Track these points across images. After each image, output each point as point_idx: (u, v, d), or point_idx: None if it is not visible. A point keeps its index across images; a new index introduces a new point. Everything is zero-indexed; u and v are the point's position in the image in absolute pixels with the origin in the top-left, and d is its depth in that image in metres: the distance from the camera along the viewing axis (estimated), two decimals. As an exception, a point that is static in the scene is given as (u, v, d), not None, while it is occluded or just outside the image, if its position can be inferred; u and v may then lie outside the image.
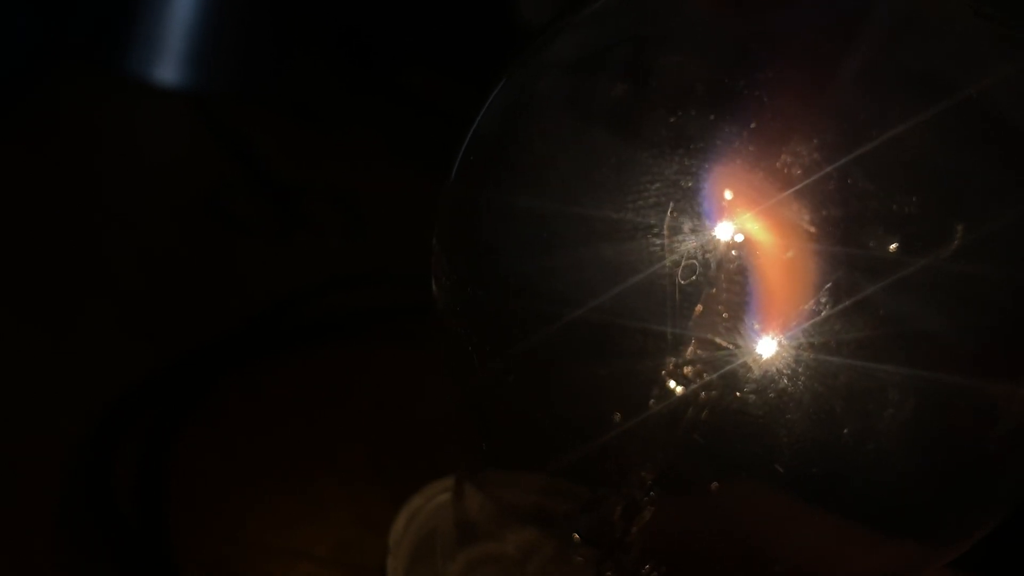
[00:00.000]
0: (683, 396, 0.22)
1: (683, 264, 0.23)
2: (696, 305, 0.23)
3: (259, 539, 0.36)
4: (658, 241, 0.24)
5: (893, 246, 0.22)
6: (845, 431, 0.23)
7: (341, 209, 0.61)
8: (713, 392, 0.23)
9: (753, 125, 0.23)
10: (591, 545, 0.25)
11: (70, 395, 0.40)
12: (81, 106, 0.65)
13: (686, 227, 0.24)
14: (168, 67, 0.67)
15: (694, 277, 0.23)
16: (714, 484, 0.23)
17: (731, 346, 0.23)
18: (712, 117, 0.24)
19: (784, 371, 0.22)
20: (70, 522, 0.35)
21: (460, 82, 0.73)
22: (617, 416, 0.23)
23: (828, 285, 0.22)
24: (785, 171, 0.22)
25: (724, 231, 0.23)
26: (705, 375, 0.23)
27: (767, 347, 0.23)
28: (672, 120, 0.24)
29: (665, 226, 0.23)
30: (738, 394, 0.23)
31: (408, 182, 0.67)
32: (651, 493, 0.24)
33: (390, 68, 0.77)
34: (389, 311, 0.52)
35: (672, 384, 0.23)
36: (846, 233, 0.22)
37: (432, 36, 0.77)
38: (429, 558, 0.28)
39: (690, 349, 0.23)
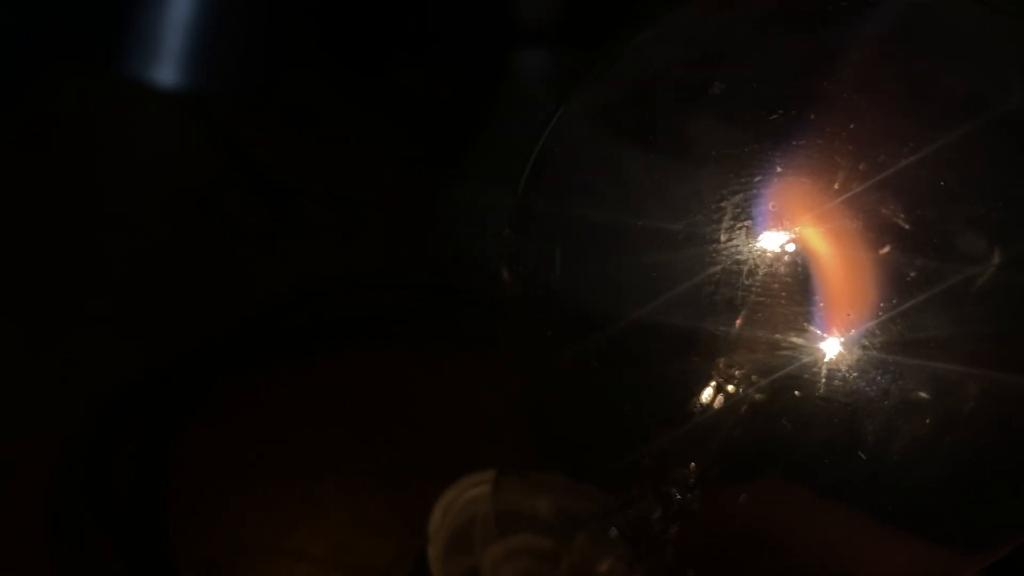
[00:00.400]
0: (731, 398, 0.23)
1: (743, 269, 0.23)
2: (747, 307, 0.23)
3: (258, 540, 0.36)
4: (714, 247, 0.24)
5: (959, 244, 0.22)
6: (895, 435, 0.23)
7: (339, 210, 0.61)
8: (761, 395, 0.23)
9: (803, 139, 0.24)
10: (627, 542, 0.25)
11: (67, 396, 0.40)
12: (76, 106, 0.64)
13: (744, 232, 0.24)
14: (165, 67, 0.67)
15: (748, 281, 0.23)
16: (755, 486, 0.24)
17: (787, 349, 0.23)
18: (770, 129, 0.24)
19: (835, 374, 0.22)
20: (68, 523, 0.35)
21: (459, 82, 0.73)
22: (667, 414, 0.24)
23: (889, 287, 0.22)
24: (843, 175, 0.23)
25: (779, 237, 0.24)
26: (754, 378, 0.23)
27: (830, 347, 0.23)
28: (732, 134, 0.25)
29: (722, 231, 0.24)
30: (791, 396, 0.23)
31: (407, 183, 0.67)
32: (692, 493, 0.24)
33: (388, 69, 0.76)
34: (388, 312, 0.52)
35: (721, 385, 0.23)
36: (909, 234, 0.23)
37: (431, 36, 0.76)
38: (467, 547, 0.29)
39: (740, 351, 0.23)
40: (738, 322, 0.24)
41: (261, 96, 0.72)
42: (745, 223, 0.24)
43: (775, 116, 0.24)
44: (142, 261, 0.51)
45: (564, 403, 0.27)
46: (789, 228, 0.24)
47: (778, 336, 0.23)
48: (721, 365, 0.24)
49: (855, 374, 0.23)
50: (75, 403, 0.39)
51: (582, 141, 0.28)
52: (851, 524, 0.25)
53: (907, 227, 0.22)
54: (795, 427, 0.24)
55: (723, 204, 0.24)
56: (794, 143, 0.24)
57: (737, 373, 0.24)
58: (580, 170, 0.28)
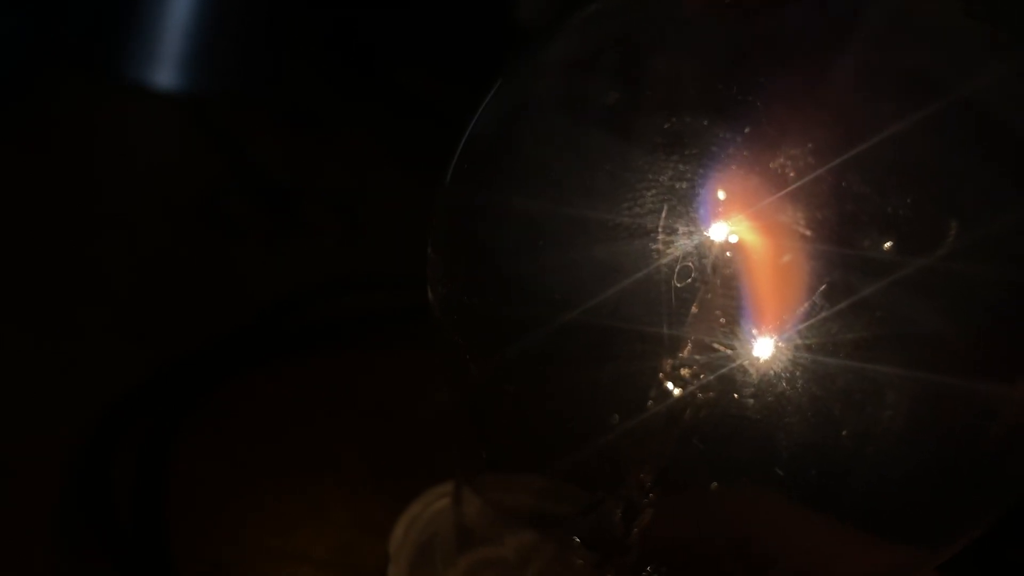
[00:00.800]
0: (680, 398, 0.22)
1: (679, 267, 0.23)
2: (692, 307, 0.23)
3: (258, 541, 0.36)
4: (653, 244, 0.23)
5: (888, 245, 0.22)
6: (843, 433, 0.23)
7: (338, 212, 0.61)
8: (710, 394, 0.23)
9: (747, 129, 0.23)
10: (591, 548, 0.24)
11: (67, 399, 0.40)
12: (76, 109, 0.65)
13: (681, 230, 0.23)
14: (164, 70, 0.67)
15: (689, 279, 0.23)
16: (713, 485, 0.23)
17: (727, 348, 0.23)
18: (706, 121, 0.23)
19: (781, 373, 0.22)
20: (68, 526, 0.35)
21: (458, 84, 0.73)
22: (615, 418, 0.23)
23: (823, 287, 0.22)
24: (780, 174, 0.22)
25: (719, 233, 0.23)
26: (702, 377, 0.23)
27: (763, 349, 0.23)
28: (666, 125, 0.24)
29: (660, 228, 0.23)
30: (735, 396, 0.23)
31: (405, 185, 0.67)
32: (650, 495, 0.23)
33: (388, 70, 0.76)
34: (388, 314, 0.52)
35: (669, 386, 0.22)
36: (841, 234, 0.22)
37: (430, 38, 0.76)
38: (429, 564, 0.28)
39: (687, 351, 0.23)
40: (682, 323, 0.23)
41: (260, 98, 0.72)
42: (685, 219, 0.23)
43: (714, 107, 0.23)
44: (141, 263, 0.51)
45: (498, 414, 0.27)
46: (730, 224, 0.23)
47: (723, 337, 0.23)
48: (668, 368, 0.23)
49: (806, 374, 0.22)
50: (75, 405, 0.39)
51: (514, 129, 0.27)
52: (812, 522, 0.24)
53: (841, 225, 0.22)
54: (750, 428, 0.23)
55: (658, 197, 0.23)
56: (735, 137, 0.23)
57: (683, 373, 0.23)
58: (510, 160, 0.27)
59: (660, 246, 0.23)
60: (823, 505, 0.24)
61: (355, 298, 0.53)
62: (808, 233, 0.22)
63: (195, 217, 0.57)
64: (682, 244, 0.23)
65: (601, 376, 0.24)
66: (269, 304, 0.50)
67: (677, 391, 0.22)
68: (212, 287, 0.51)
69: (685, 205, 0.23)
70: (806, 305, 0.22)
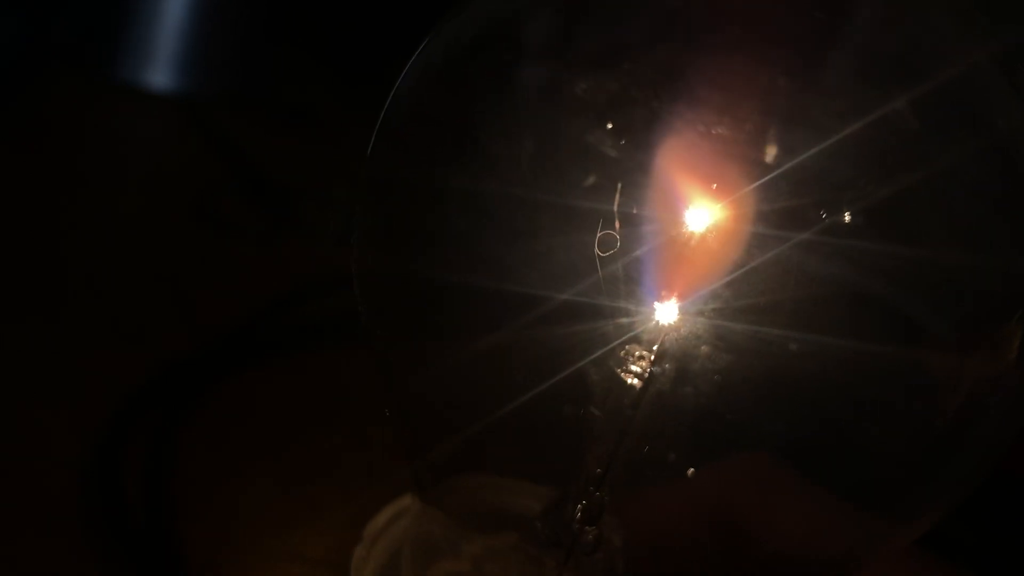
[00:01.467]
0: (628, 385, 0.22)
1: (598, 236, 0.21)
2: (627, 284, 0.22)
3: (252, 541, 0.36)
4: (578, 229, 0.22)
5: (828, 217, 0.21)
6: (791, 406, 0.23)
7: (334, 210, 0.61)
8: (648, 374, 0.22)
9: (677, 102, 0.22)
10: (552, 546, 0.24)
11: (66, 400, 0.40)
12: (71, 109, 0.65)
13: (607, 206, 0.22)
14: (159, 70, 0.67)
15: (613, 250, 0.21)
16: (690, 471, 0.23)
17: (656, 320, 0.22)
18: (635, 93, 0.23)
19: (718, 345, 0.21)
20: (75, 526, 0.35)
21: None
22: (565, 409, 0.23)
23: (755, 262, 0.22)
24: (709, 145, 0.22)
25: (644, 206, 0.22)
26: (635, 359, 0.22)
27: (688, 321, 0.22)
28: (591, 94, 0.23)
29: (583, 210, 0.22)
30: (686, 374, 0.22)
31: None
32: (600, 490, 0.23)
33: (384, 68, 0.76)
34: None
35: (619, 372, 0.22)
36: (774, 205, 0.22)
37: (427, 35, 0.76)
38: None
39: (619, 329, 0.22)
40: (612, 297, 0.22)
41: (256, 97, 0.71)
42: (607, 193, 0.22)
43: (646, 80, 0.22)
44: (138, 263, 0.51)
45: (432, 415, 0.26)
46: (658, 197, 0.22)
47: (651, 311, 0.22)
48: (611, 352, 0.22)
49: (746, 346, 0.21)
50: (70, 409, 0.39)
51: (432, 108, 0.26)
52: (775, 499, 0.24)
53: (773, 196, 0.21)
54: (696, 408, 0.23)
55: (584, 177, 0.22)
56: (665, 108, 0.22)
57: (629, 356, 0.22)
58: (431, 142, 0.26)
59: (585, 232, 0.22)
60: (785, 478, 0.24)
61: (351, 296, 0.53)
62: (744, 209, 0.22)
63: (192, 217, 0.57)
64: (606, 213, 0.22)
65: (544, 366, 0.23)
66: (266, 303, 0.50)
67: (627, 377, 0.22)
68: (209, 286, 0.51)
69: (613, 179, 0.22)
70: (738, 273, 0.21)
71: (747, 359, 0.21)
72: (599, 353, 0.21)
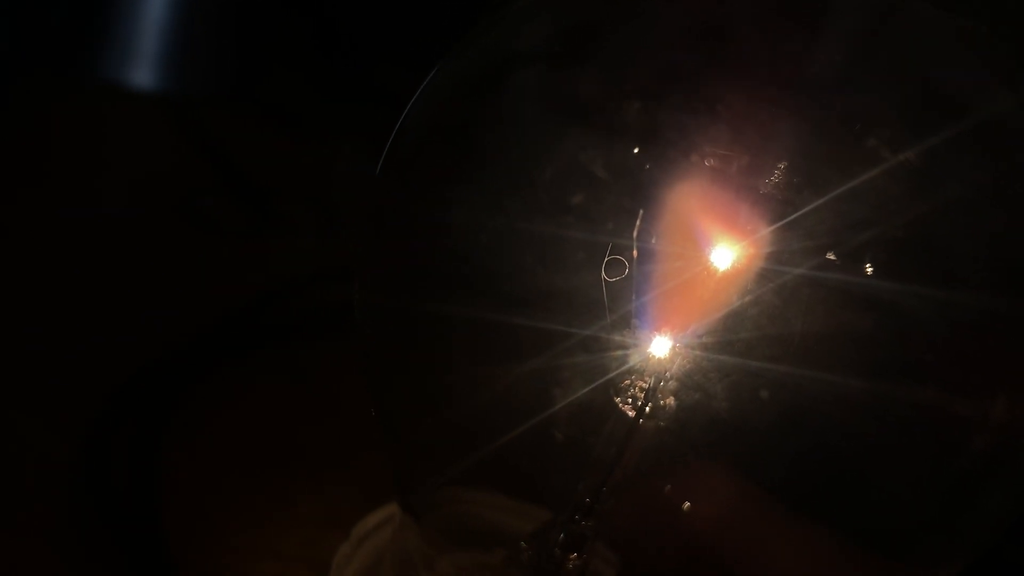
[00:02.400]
0: (617, 415, 0.22)
1: (606, 260, 0.21)
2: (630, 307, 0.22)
3: (224, 538, 0.36)
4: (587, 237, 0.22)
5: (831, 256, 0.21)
6: (792, 441, 0.22)
7: (316, 208, 0.61)
8: (642, 405, 0.22)
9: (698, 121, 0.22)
10: (534, 571, 0.23)
11: (46, 402, 0.40)
12: (53, 110, 0.64)
13: (610, 226, 0.22)
14: (142, 71, 0.66)
15: (622, 276, 0.21)
16: (666, 489, 0.23)
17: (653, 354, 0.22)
18: (649, 110, 0.23)
19: (718, 380, 0.21)
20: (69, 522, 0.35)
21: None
22: (555, 433, 0.23)
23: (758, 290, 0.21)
24: (724, 174, 0.22)
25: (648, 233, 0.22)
26: (637, 390, 0.22)
27: (689, 354, 0.22)
28: (608, 112, 0.23)
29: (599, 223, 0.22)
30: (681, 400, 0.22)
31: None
32: (587, 519, 0.23)
33: (367, 68, 0.76)
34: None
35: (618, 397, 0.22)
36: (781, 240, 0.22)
37: (408, 34, 0.76)
38: None
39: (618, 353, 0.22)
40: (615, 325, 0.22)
41: (239, 98, 0.71)
42: (613, 215, 0.22)
43: (662, 101, 0.22)
44: (121, 262, 0.51)
45: (428, 426, 0.25)
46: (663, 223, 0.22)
47: (651, 342, 0.22)
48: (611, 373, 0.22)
49: (751, 380, 0.21)
50: (60, 402, 0.40)
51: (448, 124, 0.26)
52: (769, 540, 0.24)
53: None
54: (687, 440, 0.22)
55: (594, 197, 0.22)
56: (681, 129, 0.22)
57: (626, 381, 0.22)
58: (443, 157, 0.25)
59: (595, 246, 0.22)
60: (788, 518, 0.23)
61: (332, 293, 0.53)
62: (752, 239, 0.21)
63: (174, 216, 0.56)
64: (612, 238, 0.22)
65: (517, 379, 0.23)
66: (248, 300, 0.50)
67: (627, 408, 0.22)
68: (191, 284, 0.51)
69: (617, 200, 0.22)
70: (736, 306, 0.21)
71: (750, 395, 0.21)
72: (597, 383, 0.21)
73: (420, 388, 0.25)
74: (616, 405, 0.21)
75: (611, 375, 0.22)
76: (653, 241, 0.22)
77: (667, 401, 0.21)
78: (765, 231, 0.21)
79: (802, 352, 0.21)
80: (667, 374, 0.21)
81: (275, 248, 0.57)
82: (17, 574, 0.33)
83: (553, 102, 0.24)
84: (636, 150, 0.22)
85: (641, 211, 0.22)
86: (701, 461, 0.24)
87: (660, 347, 0.21)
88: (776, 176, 0.21)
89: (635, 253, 0.21)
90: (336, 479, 0.41)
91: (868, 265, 0.21)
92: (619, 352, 0.22)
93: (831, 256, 0.21)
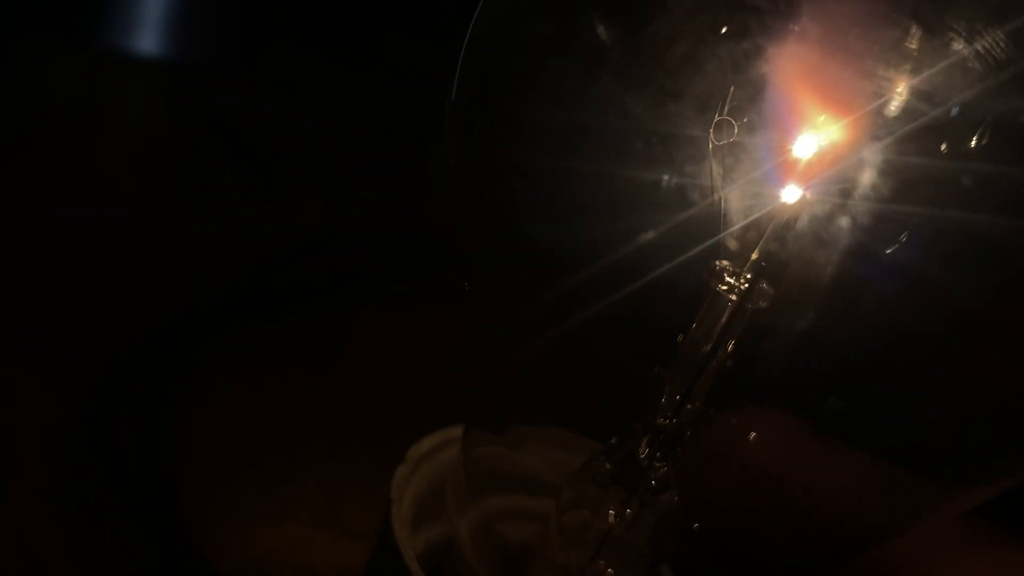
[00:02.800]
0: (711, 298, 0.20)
1: (715, 121, 0.19)
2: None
3: (242, 504, 0.35)
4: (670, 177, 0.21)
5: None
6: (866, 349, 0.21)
7: (322, 174, 0.60)
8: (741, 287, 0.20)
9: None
10: (618, 483, 0.22)
11: (53, 367, 0.39)
12: (55, 77, 0.63)
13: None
14: (146, 37, 0.65)
15: (731, 140, 0.19)
16: (732, 421, 0.22)
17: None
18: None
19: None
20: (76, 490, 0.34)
21: (441, 50, 0.71)
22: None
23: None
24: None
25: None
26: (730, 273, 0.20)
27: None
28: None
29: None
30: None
31: (389, 148, 0.66)
32: (678, 425, 0.22)
33: (372, 37, 0.75)
34: (371, 272, 0.51)
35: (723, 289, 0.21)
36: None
37: (413, 4, 0.75)
38: (435, 511, 0.25)
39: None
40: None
41: (243, 66, 0.70)
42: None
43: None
44: (126, 227, 0.50)
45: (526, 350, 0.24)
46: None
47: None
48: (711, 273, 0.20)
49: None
50: (71, 367, 0.39)
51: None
52: (839, 457, 0.23)
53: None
54: (774, 355, 0.21)
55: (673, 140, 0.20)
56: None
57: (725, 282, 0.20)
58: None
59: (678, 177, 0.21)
60: (850, 436, 0.22)
61: (338, 257, 0.52)
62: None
63: (179, 181, 0.56)
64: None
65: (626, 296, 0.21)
66: (252, 265, 0.49)
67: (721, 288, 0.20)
68: (198, 249, 0.50)
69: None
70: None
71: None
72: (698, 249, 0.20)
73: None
74: (710, 287, 0.20)
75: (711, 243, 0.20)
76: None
77: (764, 286, 0.19)
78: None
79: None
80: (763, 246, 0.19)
81: (282, 212, 0.56)
82: (23, 540, 0.31)
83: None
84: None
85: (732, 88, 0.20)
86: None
87: (790, 194, 0.19)
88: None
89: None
90: (353, 442, 0.40)
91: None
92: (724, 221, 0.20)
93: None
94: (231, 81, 0.68)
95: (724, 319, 0.19)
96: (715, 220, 0.19)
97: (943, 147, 0.19)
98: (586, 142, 0.22)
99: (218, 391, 0.41)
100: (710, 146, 0.19)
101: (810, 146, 0.18)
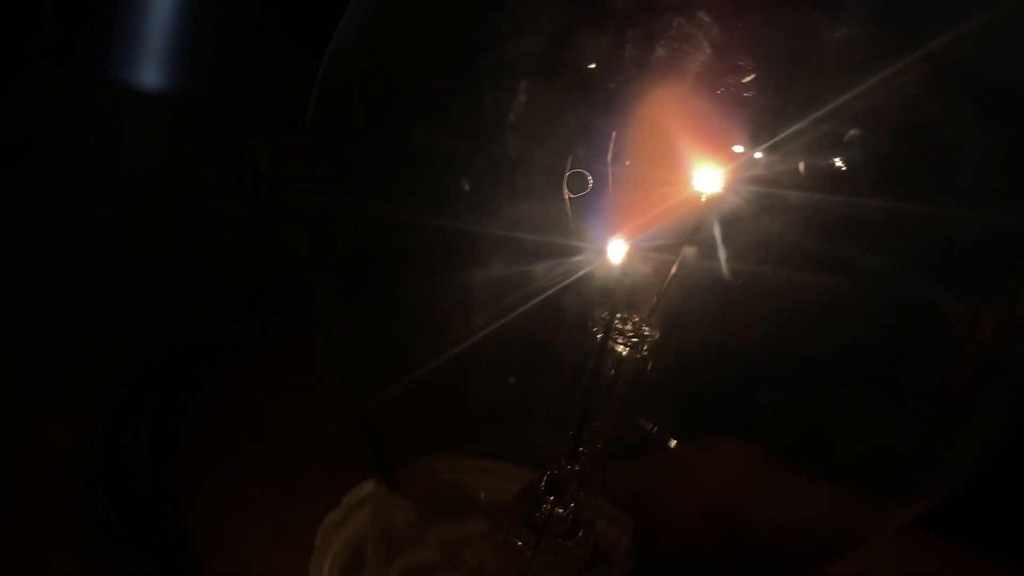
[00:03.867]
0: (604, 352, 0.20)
1: (567, 175, 0.20)
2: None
3: (240, 530, 0.35)
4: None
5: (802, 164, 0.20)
6: (784, 373, 0.21)
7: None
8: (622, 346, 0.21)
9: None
10: (525, 527, 0.22)
11: (55, 394, 0.40)
12: (58, 108, 0.64)
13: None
14: (146, 68, 0.67)
15: (586, 192, 0.20)
16: (670, 442, 0.22)
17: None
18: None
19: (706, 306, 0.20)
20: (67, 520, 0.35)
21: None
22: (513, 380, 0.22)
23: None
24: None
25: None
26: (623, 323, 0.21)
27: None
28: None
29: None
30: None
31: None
32: (572, 464, 0.21)
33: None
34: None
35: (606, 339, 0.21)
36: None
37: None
38: (358, 566, 0.26)
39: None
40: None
41: (245, 92, 0.70)
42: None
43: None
44: (127, 256, 0.50)
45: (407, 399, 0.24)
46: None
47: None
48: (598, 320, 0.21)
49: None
50: (72, 396, 0.39)
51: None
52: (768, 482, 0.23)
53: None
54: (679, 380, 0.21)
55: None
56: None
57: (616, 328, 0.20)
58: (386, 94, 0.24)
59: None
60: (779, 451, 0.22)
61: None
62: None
63: (179, 210, 0.56)
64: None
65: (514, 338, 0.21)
66: (255, 290, 0.50)
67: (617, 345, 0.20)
68: (199, 277, 0.50)
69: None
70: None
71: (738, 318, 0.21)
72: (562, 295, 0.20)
73: (385, 354, 0.24)
74: (596, 337, 0.20)
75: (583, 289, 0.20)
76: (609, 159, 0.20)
77: (651, 332, 0.20)
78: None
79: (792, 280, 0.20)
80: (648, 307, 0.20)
81: (280, 239, 0.56)
82: (28, 567, 0.32)
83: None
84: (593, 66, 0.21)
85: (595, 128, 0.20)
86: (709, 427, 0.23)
87: (615, 252, 0.19)
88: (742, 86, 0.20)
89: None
90: (354, 467, 0.41)
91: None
92: (597, 278, 0.20)
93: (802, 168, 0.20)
94: (232, 110, 0.69)
95: (609, 368, 0.19)
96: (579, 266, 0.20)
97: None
98: (436, 192, 0.22)
99: (219, 417, 0.41)
100: (565, 197, 0.20)
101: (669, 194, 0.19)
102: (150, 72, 0.66)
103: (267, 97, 0.70)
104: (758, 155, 0.20)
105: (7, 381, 0.40)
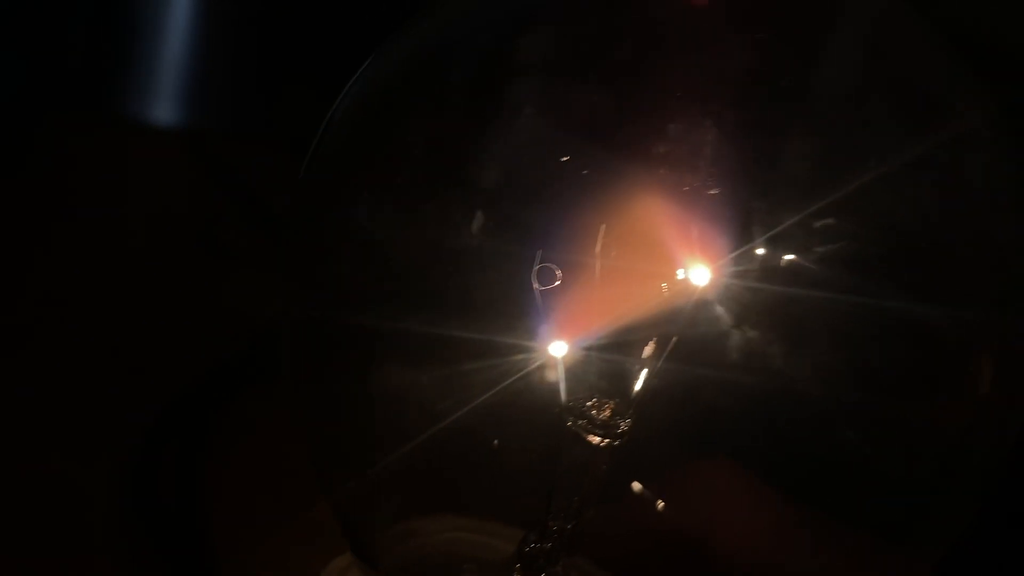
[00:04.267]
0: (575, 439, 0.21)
1: (536, 268, 0.20)
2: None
3: (276, 560, 0.36)
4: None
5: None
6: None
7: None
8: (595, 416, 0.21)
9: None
10: None
11: (75, 438, 0.40)
12: (73, 146, 0.65)
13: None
14: (162, 105, 0.67)
15: (555, 285, 0.20)
16: (647, 493, 0.23)
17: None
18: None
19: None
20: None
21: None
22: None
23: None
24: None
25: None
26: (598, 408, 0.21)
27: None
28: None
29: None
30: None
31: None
32: (543, 542, 0.22)
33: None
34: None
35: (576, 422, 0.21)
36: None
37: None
38: None
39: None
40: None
41: (258, 128, 0.71)
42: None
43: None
44: (143, 295, 0.51)
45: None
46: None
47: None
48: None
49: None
50: (88, 439, 0.40)
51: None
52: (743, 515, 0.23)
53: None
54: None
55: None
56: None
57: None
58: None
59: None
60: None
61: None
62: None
63: (193, 246, 0.57)
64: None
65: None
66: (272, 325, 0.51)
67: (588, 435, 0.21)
68: (211, 313, 0.51)
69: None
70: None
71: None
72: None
73: (355, 425, 0.25)
74: (568, 428, 0.21)
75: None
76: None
77: (623, 423, 0.21)
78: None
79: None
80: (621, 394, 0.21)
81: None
82: None
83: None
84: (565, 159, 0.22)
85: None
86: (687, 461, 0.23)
87: (559, 350, 0.20)
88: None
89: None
90: None
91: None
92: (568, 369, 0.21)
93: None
94: (248, 146, 0.69)
95: (579, 454, 0.20)
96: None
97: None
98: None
99: (243, 452, 0.42)
100: (535, 288, 0.20)
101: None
102: (165, 108, 0.67)
103: (281, 134, 0.71)
104: (730, 249, 0.20)
105: (23, 427, 0.41)
